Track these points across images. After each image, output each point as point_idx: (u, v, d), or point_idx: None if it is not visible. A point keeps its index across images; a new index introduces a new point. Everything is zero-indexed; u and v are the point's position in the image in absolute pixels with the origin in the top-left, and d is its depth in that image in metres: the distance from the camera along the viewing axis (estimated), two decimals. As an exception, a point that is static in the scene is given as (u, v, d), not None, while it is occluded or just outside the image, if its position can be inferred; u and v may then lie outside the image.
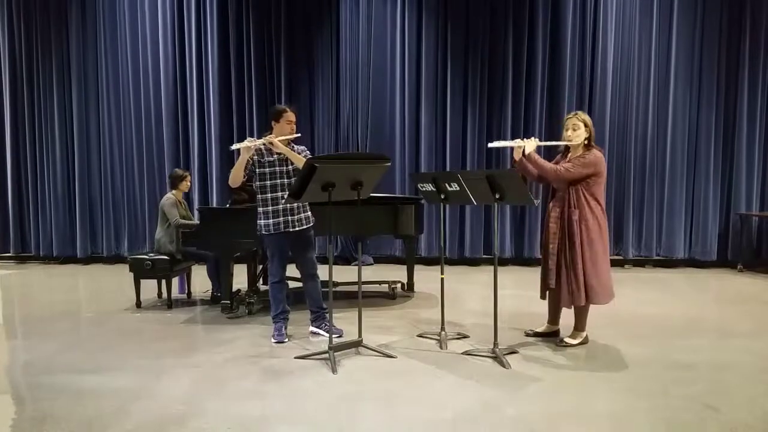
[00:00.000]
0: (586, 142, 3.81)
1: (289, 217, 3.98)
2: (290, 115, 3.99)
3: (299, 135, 4.05)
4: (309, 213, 4.11)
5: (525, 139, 3.88)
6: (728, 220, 7.40)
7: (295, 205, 3.98)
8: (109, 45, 7.80)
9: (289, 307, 4.19)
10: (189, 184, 5.54)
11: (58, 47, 7.82)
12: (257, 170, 3.95)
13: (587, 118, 3.84)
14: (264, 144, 3.87)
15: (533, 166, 3.84)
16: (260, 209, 4.00)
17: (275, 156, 3.95)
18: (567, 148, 3.90)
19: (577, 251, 3.73)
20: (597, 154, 3.76)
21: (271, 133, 3.96)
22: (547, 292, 4.01)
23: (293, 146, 4.02)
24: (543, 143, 4.04)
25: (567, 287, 3.78)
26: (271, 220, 3.96)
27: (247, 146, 3.78)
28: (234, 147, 3.82)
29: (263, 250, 5.78)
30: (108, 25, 7.79)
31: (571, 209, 3.76)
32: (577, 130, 3.79)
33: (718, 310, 5.22)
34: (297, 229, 4.01)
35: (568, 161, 3.81)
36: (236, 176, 3.88)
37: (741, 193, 7.31)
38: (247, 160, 3.86)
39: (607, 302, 3.85)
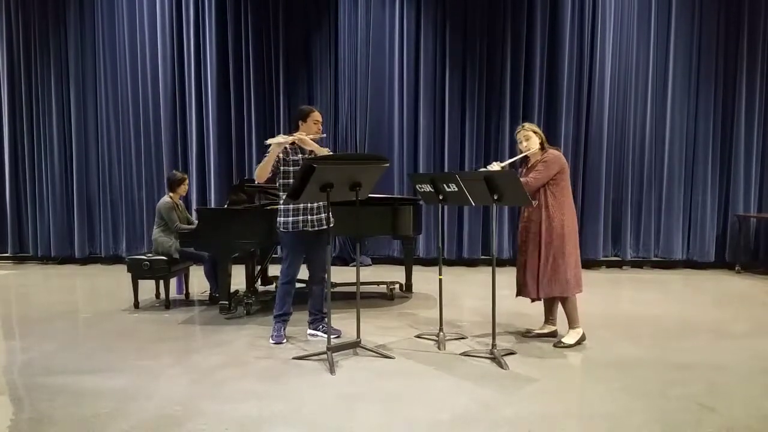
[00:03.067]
0: (541, 147, 3.96)
1: (309, 217, 3.97)
2: (317, 115, 4.06)
3: (324, 135, 4.11)
4: (329, 214, 4.06)
5: (489, 165, 4.00)
6: (726, 221, 7.41)
7: (315, 204, 3.98)
8: (108, 45, 7.79)
9: (292, 309, 4.19)
10: (186, 187, 5.51)
11: (56, 47, 7.80)
12: (281, 168, 3.96)
13: (534, 126, 4.06)
14: (294, 141, 3.90)
15: None
16: (281, 207, 4.01)
17: (300, 155, 3.97)
18: (526, 159, 4.07)
19: (545, 247, 3.86)
20: (555, 153, 3.94)
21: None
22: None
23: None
24: (505, 163, 4.09)
25: (536, 280, 3.90)
26: (291, 218, 3.96)
27: (279, 142, 3.82)
28: (268, 142, 3.85)
29: (262, 249, 5.79)
30: (106, 26, 7.78)
31: (538, 209, 3.89)
32: (529, 139, 3.98)
33: (715, 311, 5.23)
34: (316, 229, 4.00)
35: (531, 170, 3.95)
36: (263, 172, 3.91)
37: (739, 194, 7.31)
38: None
39: (576, 293, 3.95)
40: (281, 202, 4.01)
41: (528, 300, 4.09)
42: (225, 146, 7.76)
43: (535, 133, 3.98)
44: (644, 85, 7.36)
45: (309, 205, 3.95)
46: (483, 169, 4.02)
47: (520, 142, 4.01)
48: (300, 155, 3.97)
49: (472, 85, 7.46)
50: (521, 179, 3.86)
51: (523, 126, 4.07)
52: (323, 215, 4.03)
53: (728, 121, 7.32)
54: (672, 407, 2.96)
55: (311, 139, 3.94)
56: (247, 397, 3.10)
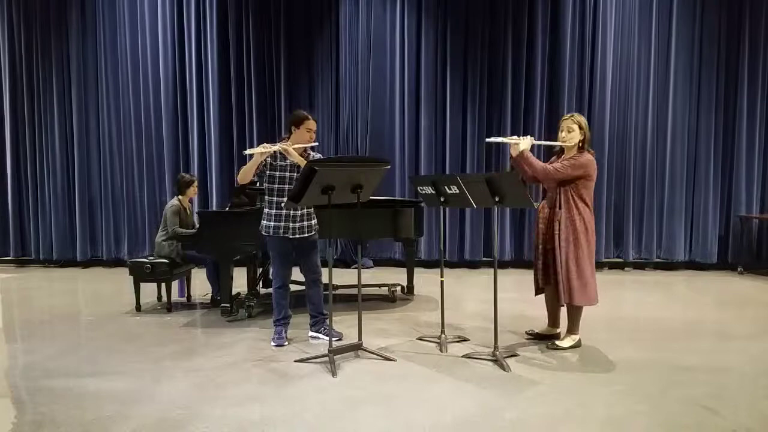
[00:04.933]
0: (580, 144, 3.84)
1: (291, 224, 3.97)
2: (311, 124, 3.98)
3: (317, 143, 4.06)
4: (314, 221, 4.10)
5: (521, 137, 3.86)
6: (728, 222, 7.39)
7: (299, 212, 3.98)
8: (109, 49, 7.79)
9: (291, 312, 4.19)
10: (196, 190, 5.48)
11: (58, 50, 7.81)
12: (268, 172, 3.96)
13: (583, 120, 3.86)
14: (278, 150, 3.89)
15: (526, 165, 3.84)
16: (265, 210, 4.03)
17: (287, 161, 3.96)
18: (562, 149, 3.93)
19: (563, 251, 3.77)
20: (588, 157, 3.81)
21: (288, 138, 3.98)
22: (544, 296, 4.06)
23: (310, 153, 4.03)
24: (538, 142, 4.02)
25: (556, 286, 3.81)
26: (273, 223, 3.97)
27: (261, 152, 3.81)
28: (248, 152, 3.85)
29: (263, 252, 5.79)
30: (108, 29, 7.78)
31: (558, 210, 3.80)
32: (571, 131, 3.82)
33: (718, 313, 5.21)
34: (298, 236, 4.00)
35: (560, 161, 3.85)
36: (246, 175, 3.90)
37: (741, 195, 7.30)
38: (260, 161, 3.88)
39: (590, 304, 3.88)
40: (265, 205, 4.03)
41: (530, 302, 4.08)
42: (227, 149, 7.75)
43: (580, 128, 3.81)
44: (645, 85, 7.34)
45: (291, 212, 3.95)
46: (516, 138, 3.83)
47: (561, 131, 3.86)
48: (288, 161, 3.96)
49: (473, 86, 7.45)
50: (548, 165, 3.79)
51: (572, 115, 3.87)
52: (305, 223, 4.03)
53: (730, 121, 7.30)
54: (675, 410, 2.95)
55: (302, 147, 3.92)
56: (248, 400, 3.10)
